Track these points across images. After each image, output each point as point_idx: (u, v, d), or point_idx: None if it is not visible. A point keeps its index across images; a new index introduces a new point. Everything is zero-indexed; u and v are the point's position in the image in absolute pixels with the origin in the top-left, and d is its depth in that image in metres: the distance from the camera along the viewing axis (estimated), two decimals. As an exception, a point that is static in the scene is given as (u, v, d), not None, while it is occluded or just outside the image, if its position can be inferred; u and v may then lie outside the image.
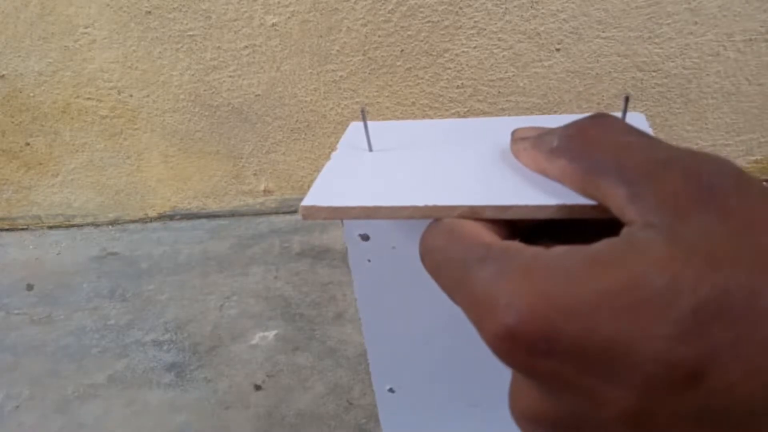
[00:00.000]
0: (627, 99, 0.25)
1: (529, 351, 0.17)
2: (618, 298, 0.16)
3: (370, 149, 0.29)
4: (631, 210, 0.17)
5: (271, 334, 0.78)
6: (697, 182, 0.17)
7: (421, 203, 0.23)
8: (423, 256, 0.22)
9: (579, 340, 0.16)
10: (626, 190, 0.18)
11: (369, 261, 0.29)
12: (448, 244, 0.21)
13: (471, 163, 0.26)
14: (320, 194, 0.25)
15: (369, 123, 0.29)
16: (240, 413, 0.67)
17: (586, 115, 0.22)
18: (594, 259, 0.17)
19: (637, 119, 0.29)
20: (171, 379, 0.73)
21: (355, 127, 0.32)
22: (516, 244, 0.19)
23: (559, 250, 0.18)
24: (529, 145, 0.24)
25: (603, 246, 0.17)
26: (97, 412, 0.70)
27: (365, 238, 0.28)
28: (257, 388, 0.70)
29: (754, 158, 0.97)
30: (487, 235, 0.21)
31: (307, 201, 0.24)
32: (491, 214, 0.22)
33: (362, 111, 0.29)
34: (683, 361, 0.15)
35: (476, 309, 0.18)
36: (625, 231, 0.17)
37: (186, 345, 0.78)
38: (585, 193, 0.21)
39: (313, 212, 0.24)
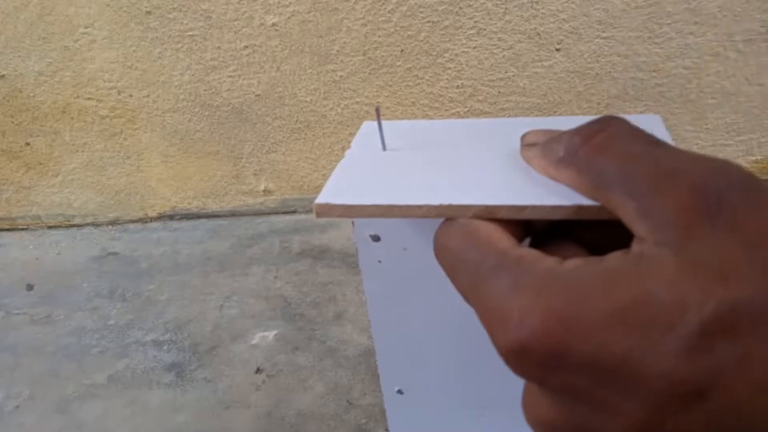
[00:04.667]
0: None
1: (541, 365, 0.17)
2: (628, 315, 0.16)
3: (384, 148, 0.29)
4: (641, 226, 0.17)
5: (271, 334, 0.78)
6: (705, 196, 0.16)
7: (435, 202, 0.23)
8: (437, 254, 0.22)
9: (590, 356, 0.16)
10: (635, 205, 0.18)
11: (380, 262, 0.29)
12: (462, 246, 0.21)
13: (485, 163, 0.26)
14: (334, 192, 0.25)
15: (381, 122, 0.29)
16: (240, 413, 0.67)
17: (594, 118, 0.22)
18: (605, 276, 0.17)
19: (653, 122, 0.28)
20: (171, 379, 0.73)
21: (368, 126, 0.32)
22: (530, 254, 0.19)
23: (572, 265, 0.18)
24: (538, 153, 0.23)
25: (614, 262, 0.17)
26: (97, 412, 0.69)
27: (376, 238, 0.28)
28: (257, 388, 0.70)
29: (754, 158, 0.97)
30: (502, 239, 0.21)
31: (321, 199, 0.24)
32: (506, 214, 0.22)
33: (377, 110, 0.28)
34: (689, 378, 0.15)
35: (490, 319, 0.18)
36: (635, 248, 0.17)
37: (186, 345, 0.78)
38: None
39: (327, 210, 0.24)
